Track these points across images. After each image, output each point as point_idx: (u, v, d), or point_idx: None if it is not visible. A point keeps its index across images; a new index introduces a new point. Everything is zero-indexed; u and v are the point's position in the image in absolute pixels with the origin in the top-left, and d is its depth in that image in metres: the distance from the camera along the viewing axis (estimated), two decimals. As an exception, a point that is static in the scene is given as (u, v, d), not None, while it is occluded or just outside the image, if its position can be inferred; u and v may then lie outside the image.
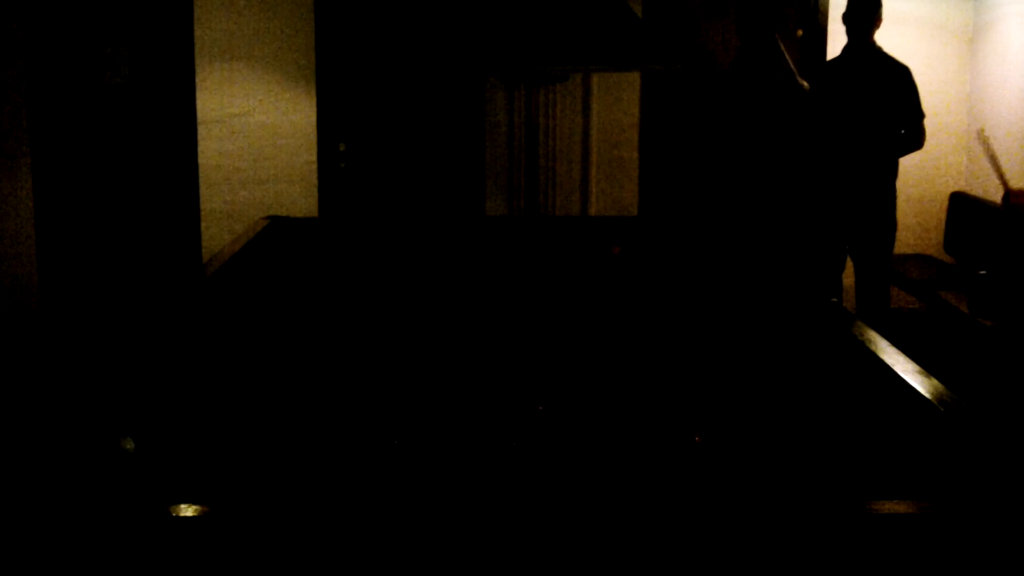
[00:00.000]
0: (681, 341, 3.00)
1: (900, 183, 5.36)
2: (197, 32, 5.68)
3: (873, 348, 2.42)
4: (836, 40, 6.12)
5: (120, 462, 2.11)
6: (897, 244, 5.44)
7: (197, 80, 5.72)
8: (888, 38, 6.19)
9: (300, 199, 5.84)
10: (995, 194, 6.04)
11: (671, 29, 6.10)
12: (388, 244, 4.06)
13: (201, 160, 5.78)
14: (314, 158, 5.84)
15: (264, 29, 5.72)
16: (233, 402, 2.45)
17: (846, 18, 5.29)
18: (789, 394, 2.50)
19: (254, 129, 5.79)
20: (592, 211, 5.96)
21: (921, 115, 5.23)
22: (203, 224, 5.82)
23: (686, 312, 3.28)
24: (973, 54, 6.43)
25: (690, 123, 6.27)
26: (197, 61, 5.70)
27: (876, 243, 5.37)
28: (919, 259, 6.37)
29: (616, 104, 5.96)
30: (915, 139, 5.26)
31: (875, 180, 5.29)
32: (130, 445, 2.16)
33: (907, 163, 5.50)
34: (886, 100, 5.21)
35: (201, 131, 5.76)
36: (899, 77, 5.21)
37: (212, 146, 5.78)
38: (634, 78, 5.91)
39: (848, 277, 5.70)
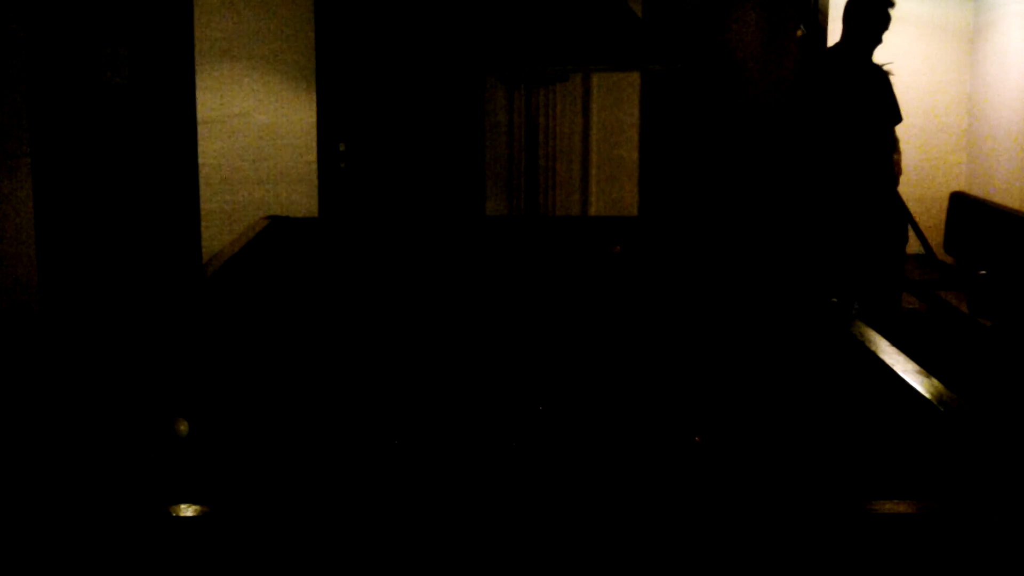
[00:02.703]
0: (681, 341, 3.00)
1: (900, 183, 5.34)
2: (197, 32, 5.68)
3: (873, 348, 2.42)
4: (836, 40, 6.13)
5: (172, 446, 2.12)
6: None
7: (197, 80, 5.72)
8: (887, 38, 6.19)
9: (300, 199, 5.84)
10: (995, 194, 6.05)
11: (671, 29, 6.10)
12: (388, 244, 4.06)
13: (201, 160, 5.78)
14: (314, 158, 5.84)
15: (264, 29, 5.72)
16: (233, 402, 2.45)
17: (863, 24, 5.10)
18: (789, 394, 2.50)
19: (254, 129, 5.79)
20: (592, 211, 5.96)
21: (894, 119, 5.08)
22: (203, 224, 5.83)
23: (686, 312, 3.28)
24: (973, 54, 6.43)
25: (690, 123, 6.27)
26: (197, 61, 5.70)
27: (879, 250, 5.26)
28: (919, 259, 6.37)
29: (616, 104, 5.96)
30: (889, 144, 5.11)
31: (868, 187, 5.19)
32: (184, 428, 2.16)
33: (907, 163, 5.50)
34: (867, 105, 5.11)
35: (201, 131, 5.76)
36: (878, 80, 5.11)
37: (212, 146, 5.78)
38: (634, 78, 5.91)
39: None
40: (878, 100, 5.09)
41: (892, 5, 5.10)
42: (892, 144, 5.15)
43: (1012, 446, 1.83)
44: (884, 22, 5.10)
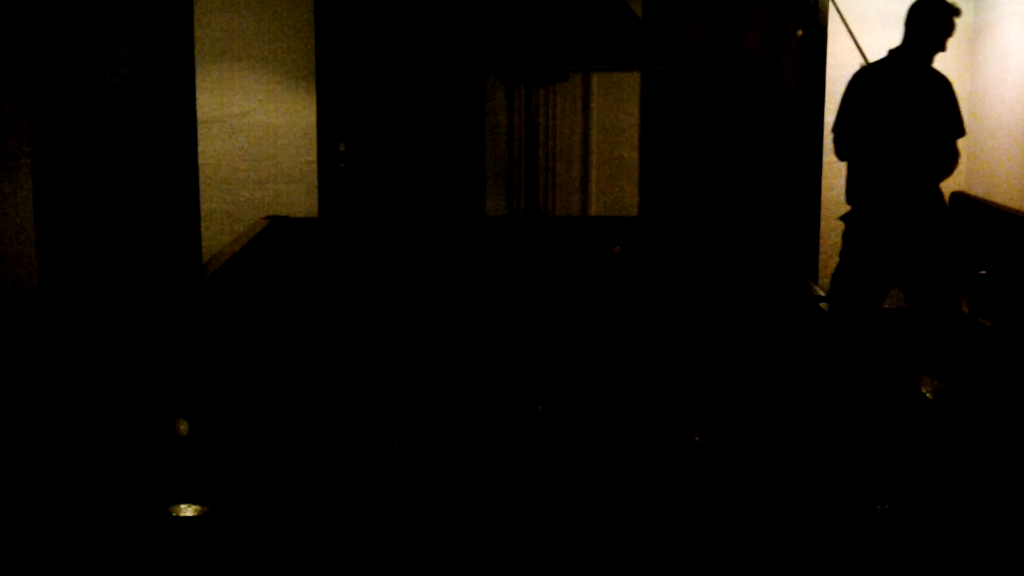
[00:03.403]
0: (681, 341, 3.00)
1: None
2: (197, 32, 5.68)
3: (873, 348, 2.42)
4: (836, 40, 6.13)
5: (172, 446, 2.12)
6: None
7: (197, 80, 5.72)
8: (887, 38, 6.18)
9: (300, 199, 5.84)
10: (995, 194, 6.05)
11: (671, 29, 6.10)
12: (388, 244, 4.06)
13: (201, 160, 5.78)
14: (314, 158, 5.84)
15: (264, 29, 5.72)
16: (233, 402, 2.45)
17: (926, 29, 4.88)
18: (789, 394, 2.50)
19: (254, 129, 5.79)
20: (592, 211, 5.96)
21: (956, 131, 4.84)
22: (203, 224, 5.82)
23: (686, 312, 3.28)
24: (973, 54, 6.42)
25: (690, 123, 6.27)
26: (197, 61, 5.70)
27: (932, 274, 4.92)
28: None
29: (616, 104, 5.96)
30: (948, 158, 4.87)
31: (921, 197, 4.88)
32: (184, 427, 2.16)
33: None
34: (928, 114, 4.84)
35: (201, 131, 5.76)
36: (941, 89, 4.86)
37: (212, 146, 5.78)
38: (634, 78, 5.91)
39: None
40: (939, 110, 4.84)
41: (958, 13, 4.87)
42: (952, 158, 4.89)
43: (1012, 446, 1.83)
44: (948, 29, 4.87)
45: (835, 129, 5.13)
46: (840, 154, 5.17)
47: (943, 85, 4.89)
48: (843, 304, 4.87)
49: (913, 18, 4.96)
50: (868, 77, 5.07)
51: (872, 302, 5.03)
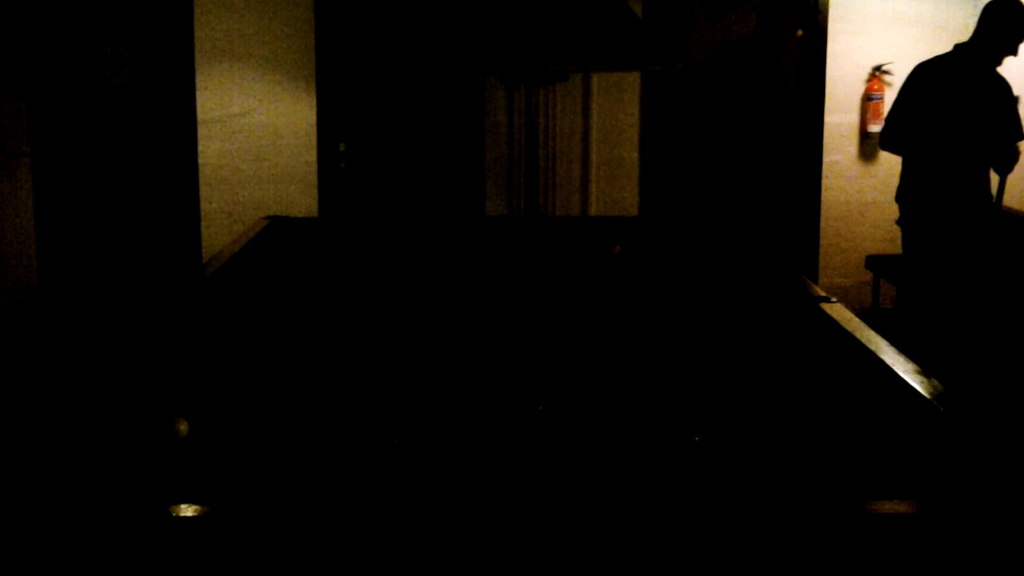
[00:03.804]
0: (681, 341, 3.00)
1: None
2: (197, 32, 5.68)
3: (873, 348, 2.42)
4: (836, 40, 6.13)
5: (172, 446, 2.12)
6: (897, 245, 5.41)
7: (197, 80, 5.72)
8: (887, 38, 6.19)
9: (300, 199, 5.84)
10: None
11: (671, 29, 6.10)
12: (388, 244, 4.06)
13: (201, 160, 5.78)
14: (314, 158, 5.84)
15: (264, 29, 5.72)
16: (233, 402, 2.45)
17: (1002, 31, 4.74)
18: (789, 394, 2.50)
19: (254, 129, 5.79)
20: (592, 211, 5.96)
21: (1015, 134, 4.79)
22: (203, 224, 5.83)
23: (686, 312, 3.28)
24: (973, 54, 6.41)
25: (690, 123, 6.27)
26: (197, 61, 5.70)
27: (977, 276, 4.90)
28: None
29: (616, 104, 5.97)
30: (1007, 159, 4.81)
31: (975, 199, 4.84)
32: (184, 427, 2.16)
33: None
34: (988, 115, 4.78)
35: (201, 131, 5.76)
36: (1002, 91, 4.79)
37: (212, 146, 5.79)
38: (634, 78, 5.92)
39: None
40: (1000, 112, 4.77)
41: None
42: (1010, 160, 4.82)
43: (1012, 446, 1.83)
44: (1023, 35, 4.76)
45: (889, 118, 5.07)
46: (885, 144, 5.12)
47: (1004, 87, 4.81)
48: (915, 309, 4.85)
49: (989, 18, 4.81)
50: (930, 72, 4.95)
51: (939, 303, 4.99)
